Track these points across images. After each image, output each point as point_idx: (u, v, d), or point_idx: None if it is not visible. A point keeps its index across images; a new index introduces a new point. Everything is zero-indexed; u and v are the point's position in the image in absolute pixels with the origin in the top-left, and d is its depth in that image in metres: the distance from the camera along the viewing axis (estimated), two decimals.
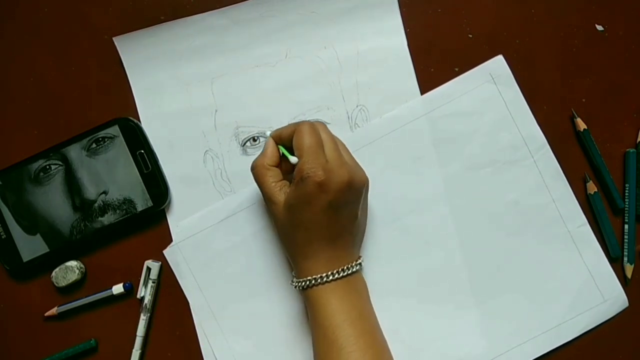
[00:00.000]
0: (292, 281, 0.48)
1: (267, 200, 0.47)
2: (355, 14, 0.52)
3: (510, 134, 0.52)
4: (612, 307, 0.51)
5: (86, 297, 0.53)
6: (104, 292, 0.53)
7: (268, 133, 0.49)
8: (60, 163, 0.52)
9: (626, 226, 0.52)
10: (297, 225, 0.45)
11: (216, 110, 0.53)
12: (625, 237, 0.52)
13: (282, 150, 0.47)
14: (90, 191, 0.52)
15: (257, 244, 0.53)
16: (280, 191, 0.46)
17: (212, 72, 0.53)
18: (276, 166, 0.47)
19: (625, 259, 0.52)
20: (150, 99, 0.53)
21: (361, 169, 0.47)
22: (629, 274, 0.52)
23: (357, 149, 0.52)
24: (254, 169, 0.47)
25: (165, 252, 0.53)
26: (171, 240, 0.53)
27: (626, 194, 0.53)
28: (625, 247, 0.52)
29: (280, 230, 0.47)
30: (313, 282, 0.45)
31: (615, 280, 0.52)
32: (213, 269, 0.53)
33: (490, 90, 0.52)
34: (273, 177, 0.46)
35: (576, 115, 0.52)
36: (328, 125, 0.50)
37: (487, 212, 0.52)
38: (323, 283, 0.45)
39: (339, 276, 0.45)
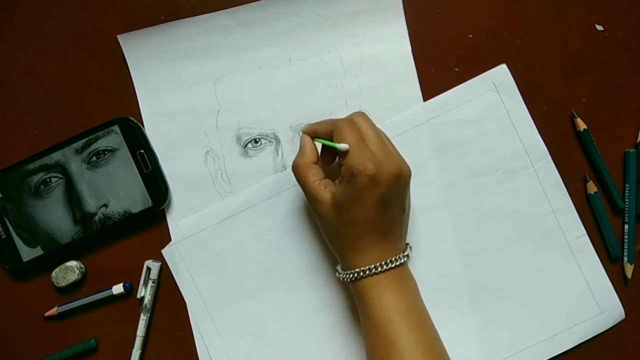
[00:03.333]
0: (339, 272, 0.47)
1: (311, 199, 0.45)
2: (361, 18, 0.52)
3: (512, 143, 0.51)
4: (608, 319, 0.51)
5: (86, 297, 0.52)
6: (104, 292, 0.52)
7: (299, 133, 0.48)
8: (60, 176, 0.51)
9: (626, 226, 0.52)
10: (347, 222, 0.44)
11: (218, 111, 0.52)
12: (626, 237, 0.52)
13: (325, 142, 0.45)
14: (91, 204, 0.51)
15: (255, 246, 0.52)
16: (325, 189, 0.44)
17: (216, 72, 0.52)
18: (316, 163, 0.46)
19: (625, 259, 0.52)
20: (153, 97, 0.52)
21: (404, 159, 0.45)
22: (629, 274, 0.52)
23: None
24: (295, 169, 0.46)
25: (163, 251, 0.52)
26: (171, 240, 0.53)
27: (626, 194, 0.52)
28: (625, 247, 0.52)
29: (328, 228, 0.46)
30: (362, 274, 0.44)
31: (612, 292, 0.51)
32: (211, 270, 0.52)
33: (492, 98, 0.51)
34: (316, 176, 0.45)
35: (576, 115, 0.52)
36: None
37: (486, 220, 0.51)
38: (372, 275, 0.44)
39: (388, 267, 0.44)
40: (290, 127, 0.52)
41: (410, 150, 0.50)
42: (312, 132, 0.46)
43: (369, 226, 0.43)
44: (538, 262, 0.51)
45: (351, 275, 0.45)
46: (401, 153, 0.46)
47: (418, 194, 0.51)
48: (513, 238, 0.51)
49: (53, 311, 0.52)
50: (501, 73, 0.51)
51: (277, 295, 0.52)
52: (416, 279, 0.48)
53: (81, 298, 0.52)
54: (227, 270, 0.52)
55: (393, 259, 0.44)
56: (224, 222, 0.52)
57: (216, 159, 0.52)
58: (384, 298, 0.44)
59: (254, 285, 0.52)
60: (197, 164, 0.52)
